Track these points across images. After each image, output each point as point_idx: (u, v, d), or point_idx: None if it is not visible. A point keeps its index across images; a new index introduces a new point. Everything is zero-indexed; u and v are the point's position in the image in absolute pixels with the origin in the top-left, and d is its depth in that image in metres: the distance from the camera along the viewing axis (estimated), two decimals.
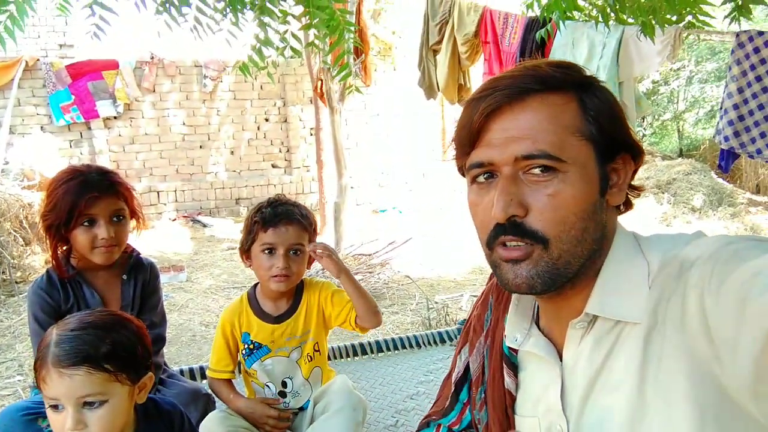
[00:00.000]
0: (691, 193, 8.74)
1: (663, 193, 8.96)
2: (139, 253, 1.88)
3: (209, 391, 1.92)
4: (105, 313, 1.28)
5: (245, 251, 1.84)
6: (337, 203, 5.93)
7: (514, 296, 0.96)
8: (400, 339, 2.57)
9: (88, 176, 1.68)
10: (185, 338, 4.40)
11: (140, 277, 1.85)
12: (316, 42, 2.68)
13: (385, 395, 2.19)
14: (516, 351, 0.96)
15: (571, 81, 0.81)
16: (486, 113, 0.79)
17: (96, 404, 1.13)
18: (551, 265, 0.78)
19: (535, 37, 3.58)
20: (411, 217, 8.82)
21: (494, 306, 1.07)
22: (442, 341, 2.61)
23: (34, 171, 6.35)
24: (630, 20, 2.91)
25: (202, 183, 8.86)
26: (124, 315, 1.28)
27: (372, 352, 2.53)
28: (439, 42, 4.70)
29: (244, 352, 1.84)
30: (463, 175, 0.91)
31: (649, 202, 8.57)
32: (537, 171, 0.77)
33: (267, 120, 9.25)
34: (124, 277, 1.82)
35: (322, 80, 5.87)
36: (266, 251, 1.77)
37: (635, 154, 0.84)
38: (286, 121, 9.31)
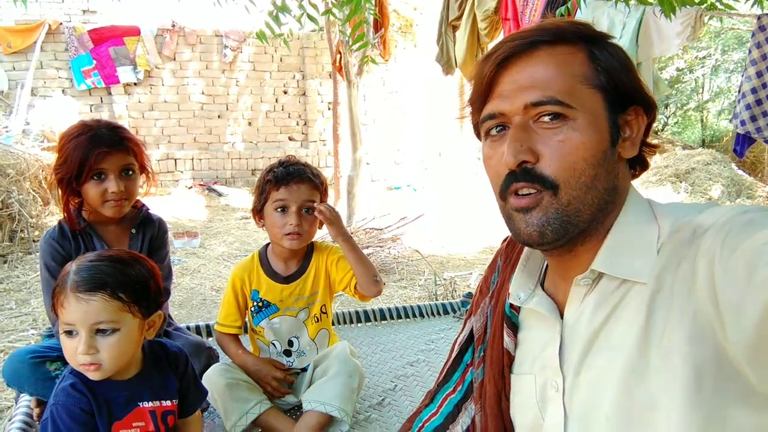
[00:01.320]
0: (709, 184, 8.64)
1: (681, 182, 8.87)
2: (148, 209, 1.93)
3: (213, 345, 1.97)
4: (122, 250, 1.34)
5: (258, 211, 1.88)
6: (351, 176, 5.95)
7: (522, 256, 0.97)
8: (404, 308, 2.60)
9: (98, 131, 1.71)
10: (196, 302, 4.48)
11: (148, 232, 1.89)
12: (334, 11, 2.67)
13: (386, 361, 2.23)
14: (518, 311, 0.98)
15: (579, 34, 0.82)
16: (496, 63, 0.81)
17: (108, 331, 1.19)
18: (561, 212, 0.79)
19: (556, 14, 3.55)
20: (425, 195, 8.83)
21: (502, 268, 1.09)
22: (446, 312, 2.63)
23: (54, 132, 6.45)
24: (652, 0, 2.87)
25: (219, 152, 8.92)
26: (139, 254, 1.33)
27: (375, 319, 2.57)
28: (459, 18, 4.67)
29: (252, 309, 1.89)
30: (479, 135, 0.92)
31: (666, 191, 8.49)
32: (546, 119, 0.79)
33: (285, 92, 9.26)
34: (133, 231, 1.86)
35: (341, 53, 5.86)
36: (279, 209, 1.80)
37: (648, 107, 0.85)
38: (304, 94, 9.32)
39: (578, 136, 0.78)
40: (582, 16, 3.38)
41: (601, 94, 0.80)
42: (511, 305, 0.98)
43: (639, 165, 0.88)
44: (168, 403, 1.34)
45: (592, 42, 0.82)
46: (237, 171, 9.00)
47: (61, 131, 1.79)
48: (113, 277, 1.21)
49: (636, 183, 0.89)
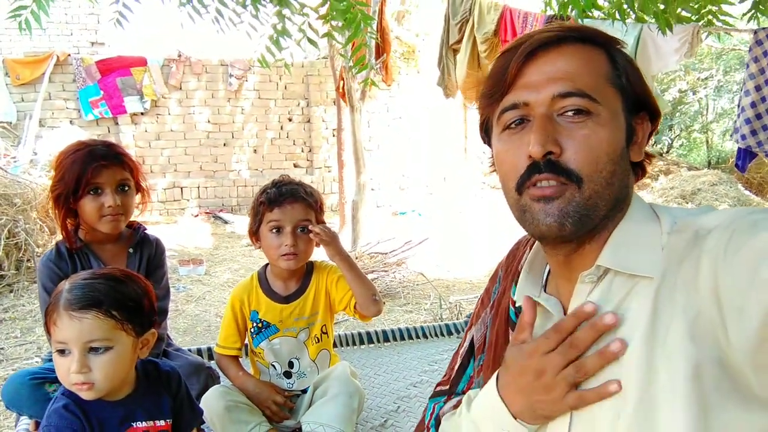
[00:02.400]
0: (716, 204, 8.60)
1: (687, 203, 8.84)
2: (145, 228, 1.93)
3: (213, 366, 1.95)
4: (115, 268, 1.33)
5: (254, 233, 1.87)
6: (354, 201, 5.96)
7: (525, 264, 0.96)
8: (407, 329, 2.58)
9: (94, 148, 1.74)
10: (200, 328, 4.47)
11: (146, 252, 1.89)
12: (334, 33, 2.71)
13: (389, 382, 2.20)
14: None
15: (600, 37, 0.85)
16: (523, 56, 0.82)
17: (101, 350, 1.18)
18: (582, 205, 0.79)
19: None
20: (430, 220, 8.82)
21: (503, 277, 1.08)
22: (449, 333, 2.60)
23: None
24: (649, 18, 2.90)
25: (225, 180, 8.98)
26: (133, 273, 1.32)
27: (378, 341, 2.54)
28: (459, 41, 4.72)
29: (252, 330, 1.87)
30: (485, 135, 0.93)
31: None
32: (570, 113, 0.79)
33: (290, 120, 9.34)
34: (131, 250, 1.86)
35: (344, 79, 5.92)
36: (274, 230, 1.79)
37: (653, 115, 0.87)
38: (309, 121, 9.40)
39: (603, 132, 0.79)
40: None
41: (620, 94, 0.82)
42: (516, 313, 0.97)
43: (639, 171, 0.89)
44: (162, 422, 1.32)
45: (610, 45, 0.85)
46: (242, 198, 9.04)
47: (55, 158, 1.81)
48: (106, 295, 1.20)
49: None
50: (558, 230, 0.80)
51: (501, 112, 0.85)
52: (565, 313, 0.87)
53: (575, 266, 0.85)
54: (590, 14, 3.03)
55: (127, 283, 1.27)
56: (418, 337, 2.59)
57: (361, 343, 2.53)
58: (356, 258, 5.17)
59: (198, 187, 8.80)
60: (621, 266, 0.79)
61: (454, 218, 8.71)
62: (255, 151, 9.21)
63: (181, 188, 8.70)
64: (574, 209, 0.79)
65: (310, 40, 2.70)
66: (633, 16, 2.93)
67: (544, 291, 0.94)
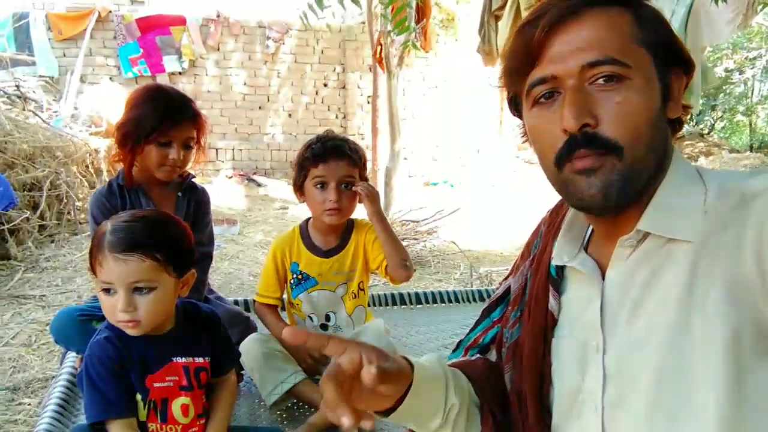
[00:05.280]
0: None
1: None
2: (193, 176, 1.98)
3: (251, 316, 2.00)
4: (155, 211, 1.37)
5: (298, 187, 1.89)
6: (388, 168, 5.96)
7: (566, 222, 0.96)
8: (439, 293, 2.61)
9: (173, 100, 1.79)
10: (234, 286, 4.55)
11: (193, 198, 1.95)
12: None
13: (420, 342, 2.24)
14: (560, 276, 0.97)
15: None
16: (546, 28, 0.79)
17: (145, 290, 1.23)
18: (625, 173, 0.78)
19: None
20: (462, 192, 8.78)
21: (544, 233, 1.07)
22: (481, 299, 2.62)
23: (101, 118, 6.62)
24: None
25: (259, 143, 9.04)
26: (173, 215, 1.36)
27: (411, 303, 2.57)
28: (502, 7, 4.62)
29: (292, 281, 1.91)
30: (515, 109, 0.92)
31: None
32: (602, 81, 0.77)
33: (326, 85, 9.32)
34: (179, 195, 1.91)
35: (381, 45, 5.86)
36: (318, 185, 1.82)
37: (686, 67, 0.84)
38: (344, 87, 9.36)
39: (637, 97, 0.77)
40: None
41: (650, 53, 0.79)
42: (555, 269, 0.97)
43: (677, 125, 0.87)
44: (201, 360, 1.37)
45: (634, 3, 0.82)
46: (276, 162, 9.10)
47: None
48: (149, 238, 1.24)
49: None
50: (603, 201, 0.79)
51: (530, 87, 0.84)
52: (603, 275, 0.87)
53: (617, 229, 0.85)
54: None
55: (167, 226, 1.31)
56: (450, 301, 2.61)
57: (395, 304, 2.57)
58: None
59: (233, 149, 8.88)
60: (660, 230, 0.79)
61: (487, 191, 8.65)
62: (290, 115, 9.22)
63: (216, 150, 8.78)
64: (618, 178, 0.78)
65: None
66: None
67: (585, 251, 0.94)
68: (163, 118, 1.74)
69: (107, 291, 1.23)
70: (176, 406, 1.32)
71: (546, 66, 0.81)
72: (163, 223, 1.31)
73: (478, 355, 1.13)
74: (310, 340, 0.77)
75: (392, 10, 3.01)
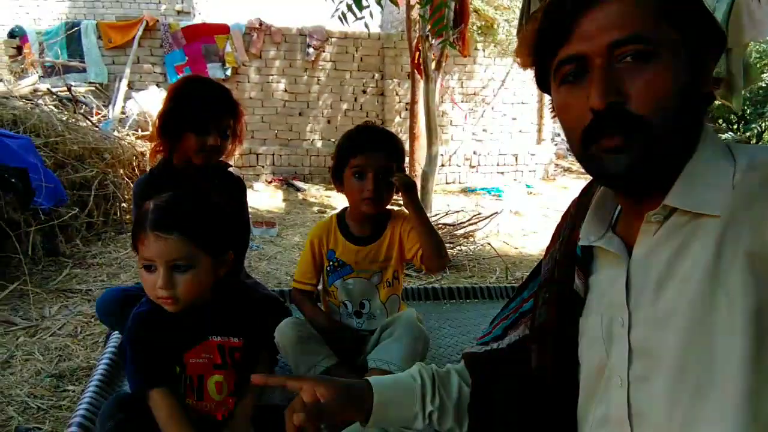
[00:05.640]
0: None
1: None
2: (230, 165, 2.04)
3: (287, 302, 2.04)
4: (197, 191, 1.42)
5: (336, 177, 1.94)
6: (425, 171, 5.98)
7: (594, 202, 0.97)
8: (473, 288, 2.61)
9: (213, 90, 1.87)
10: (271, 285, 4.61)
11: (229, 186, 2.01)
12: None
13: (452, 335, 2.25)
14: (589, 257, 0.97)
15: None
16: (575, 6, 0.80)
17: (183, 268, 1.28)
18: (653, 150, 0.78)
19: None
20: (500, 198, 8.73)
21: (573, 215, 1.08)
22: None
23: (148, 122, 6.83)
24: None
25: (299, 149, 9.16)
26: (214, 197, 1.41)
27: (444, 297, 2.59)
28: (541, 9, 4.61)
29: (328, 268, 1.95)
30: (543, 86, 0.93)
31: None
32: (629, 59, 0.78)
33: (364, 92, 9.40)
34: (216, 181, 1.98)
35: (419, 50, 5.90)
36: (356, 175, 1.85)
37: (717, 40, 0.84)
38: (382, 94, 9.43)
39: (665, 73, 0.77)
40: None
41: (679, 29, 0.79)
42: (583, 250, 0.98)
43: (708, 99, 0.86)
44: (235, 340, 1.41)
45: None
46: (315, 168, 9.20)
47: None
48: (189, 218, 1.29)
49: None
50: (631, 177, 0.81)
51: (558, 66, 0.85)
52: (629, 254, 0.88)
53: (644, 205, 0.85)
54: None
55: (206, 207, 1.35)
56: (483, 297, 2.61)
57: (428, 298, 2.58)
58: None
59: (273, 155, 9.02)
60: (687, 205, 0.79)
61: (524, 197, 8.59)
62: (329, 121, 9.33)
63: (257, 155, 8.94)
64: (647, 154, 0.79)
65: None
66: None
67: (613, 230, 0.94)
68: (201, 105, 1.81)
69: (148, 268, 1.29)
70: (211, 384, 1.37)
71: (574, 44, 0.81)
72: (203, 204, 1.36)
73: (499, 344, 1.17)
74: (270, 380, 1.07)
75: (430, 9, 3.05)
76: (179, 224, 1.27)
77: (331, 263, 1.94)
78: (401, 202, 1.90)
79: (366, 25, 2.85)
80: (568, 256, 1.03)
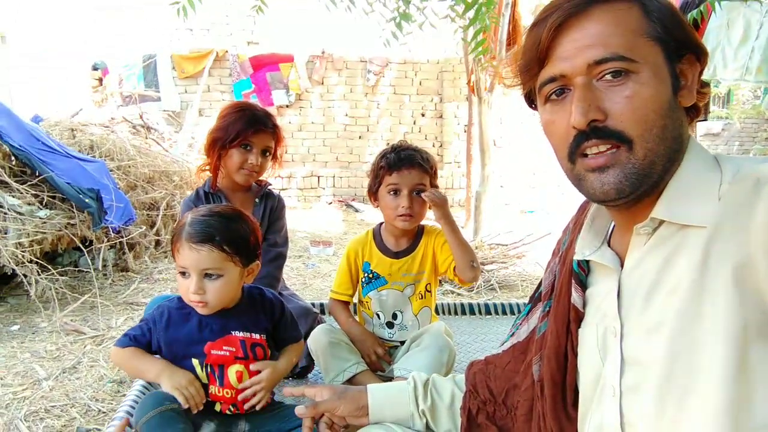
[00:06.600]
0: None
1: None
2: (270, 185, 2.20)
3: (320, 314, 2.15)
4: (229, 207, 1.56)
5: (373, 193, 2.04)
6: (478, 192, 6.01)
7: (588, 216, 1.00)
8: (508, 304, 2.64)
9: (257, 113, 2.07)
10: (324, 300, 4.75)
11: (269, 204, 2.16)
12: (453, 16, 2.82)
13: (484, 350, 2.29)
14: (586, 271, 1.00)
15: None
16: (553, 28, 0.82)
17: (214, 276, 1.42)
18: (637, 166, 0.79)
19: (687, 18, 3.43)
20: (558, 219, 8.60)
21: (572, 229, 1.12)
22: None
23: None
24: None
25: (359, 171, 9.37)
26: (244, 212, 1.54)
27: (480, 312, 2.63)
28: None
29: (363, 280, 2.05)
30: (530, 104, 0.97)
31: None
32: (609, 77, 0.79)
33: (423, 115, 9.54)
34: (257, 200, 2.13)
35: (474, 72, 5.98)
36: (391, 192, 1.95)
37: (699, 54, 0.85)
38: (441, 117, 9.55)
39: (645, 90, 0.78)
40: (716, 19, 3.24)
41: (659, 45, 0.80)
42: (579, 264, 1.00)
43: (693, 112, 0.88)
44: (257, 336, 1.53)
45: None
46: None
47: (221, 109, 2.15)
48: (220, 232, 1.42)
49: None
50: (617, 195, 0.82)
51: (541, 85, 0.87)
52: (622, 266, 0.90)
53: (634, 218, 0.87)
54: None
55: (237, 222, 1.48)
56: (514, 313, 2.63)
57: (463, 313, 2.63)
58: (476, 248, 5.22)
59: (333, 177, 9.27)
60: (674, 217, 0.80)
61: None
62: (388, 144, 9.46)
63: (318, 177, 9.21)
64: (631, 172, 0.80)
65: (432, 25, 2.83)
66: None
67: (608, 244, 0.96)
68: (246, 125, 1.98)
69: (183, 274, 1.44)
70: (231, 372, 1.49)
71: (555, 64, 0.83)
72: (233, 219, 1.49)
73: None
74: (295, 391, 1.35)
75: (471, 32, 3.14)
76: (211, 237, 1.40)
77: (366, 275, 2.04)
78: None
79: (409, 50, 2.97)
80: (566, 270, 1.05)
